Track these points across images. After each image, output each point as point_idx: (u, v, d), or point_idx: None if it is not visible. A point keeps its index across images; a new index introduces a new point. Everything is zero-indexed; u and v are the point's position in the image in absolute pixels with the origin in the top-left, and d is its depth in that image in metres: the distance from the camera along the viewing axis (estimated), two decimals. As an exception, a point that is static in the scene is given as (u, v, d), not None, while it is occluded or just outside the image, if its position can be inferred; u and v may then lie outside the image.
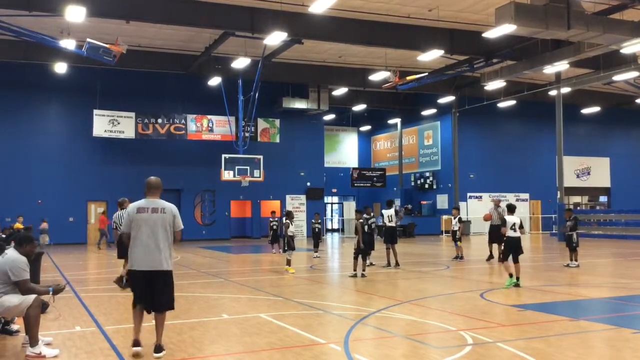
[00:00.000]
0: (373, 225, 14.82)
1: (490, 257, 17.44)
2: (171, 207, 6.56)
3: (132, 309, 6.64)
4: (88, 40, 20.68)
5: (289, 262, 15.14)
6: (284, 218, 21.49)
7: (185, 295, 11.23)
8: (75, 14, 17.84)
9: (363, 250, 14.04)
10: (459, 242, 17.98)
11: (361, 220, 14.31)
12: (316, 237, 19.96)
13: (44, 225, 25.22)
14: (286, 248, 15.15)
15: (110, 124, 28.05)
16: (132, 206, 6.56)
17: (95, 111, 27.77)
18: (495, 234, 17.06)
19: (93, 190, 28.45)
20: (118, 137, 28.34)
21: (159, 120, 28.98)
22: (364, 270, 13.92)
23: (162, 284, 6.45)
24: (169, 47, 26.21)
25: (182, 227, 6.65)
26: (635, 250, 21.90)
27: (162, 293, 6.46)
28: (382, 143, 42.07)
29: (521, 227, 12.02)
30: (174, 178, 30.03)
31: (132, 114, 28.43)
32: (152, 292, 6.42)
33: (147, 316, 6.69)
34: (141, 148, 29.33)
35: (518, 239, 11.90)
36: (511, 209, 12.36)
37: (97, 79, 27.55)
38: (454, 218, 18.28)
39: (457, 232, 17.94)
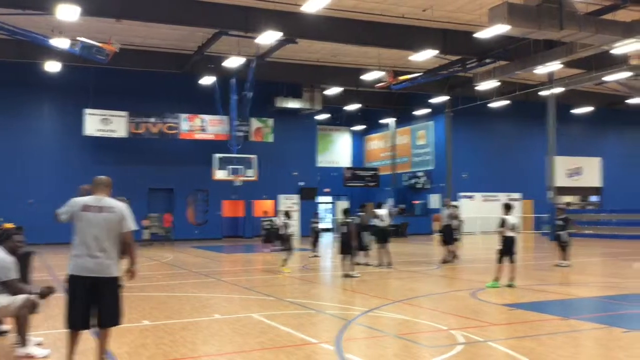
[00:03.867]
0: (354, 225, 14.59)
1: (449, 259, 17.13)
2: (121, 206, 5.85)
3: (68, 329, 5.70)
4: (81, 39, 20.58)
5: (284, 262, 15.14)
6: (278, 218, 21.60)
7: (177, 295, 11.21)
8: (68, 13, 17.75)
9: (349, 250, 13.92)
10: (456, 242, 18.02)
11: (349, 220, 14.24)
12: (315, 236, 19.92)
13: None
14: (284, 248, 15.13)
15: (102, 123, 27.92)
16: (78, 201, 5.78)
17: (87, 110, 27.63)
18: (446, 234, 17.08)
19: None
20: (110, 137, 28.21)
21: (152, 120, 28.88)
22: (352, 270, 13.86)
23: (108, 293, 5.62)
24: (161, 46, 26.12)
25: (134, 228, 5.88)
26: (626, 249, 22.03)
27: (108, 304, 5.63)
28: (376, 143, 42.11)
29: (516, 227, 11.97)
30: (167, 177, 29.96)
31: (125, 113, 28.32)
32: (94, 303, 5.60)
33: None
34: (133, 147, 29.22)
35: (514, 240, 11.87)
36: (508, 207, 12.05)
37: (90, 78, 27.40)
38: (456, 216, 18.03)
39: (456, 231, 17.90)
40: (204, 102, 29.40)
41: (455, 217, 17.28)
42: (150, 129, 28.83)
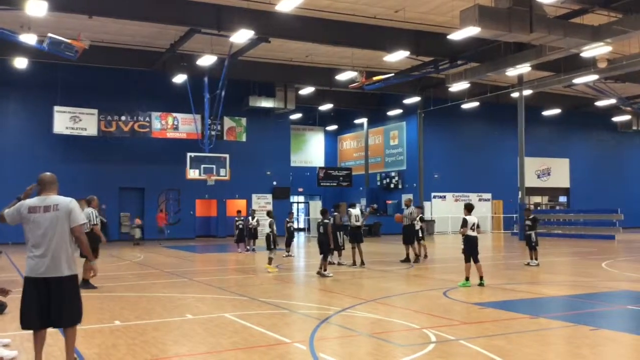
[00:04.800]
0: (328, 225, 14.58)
1: (407, 259, 17.10)
2: (67, 201, 5.68)
3: (23, 329, 5.66)
4: (49, 35, 20.20)
5: (270, 261, 15.11)
6: (250, 218, 21.54)
7: (148, 296, 11.09)
8: (36, 8, 17.40)
9: (327, 250, 14.06)
10: (422, 241, 18.08)
11: (327, 220, 14.32)
12: (290, 236, 19.88)
13: None
14: (272, 247, 15.10)
15: (72, 121, 27.47)
16: (24, 204, 5.71)
17: (56, 107, 27.16)
18: (408, 234, 17.19)
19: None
20: (80, 135, 27.77)
21: (123, 118, 28.51)
22: (325, 269, 13.90)
23: (66, 292, 5.54)
24: (133, 43, 25.79)
25: (83, 221, 5.76)
26: (593, 249, 22.50)
27: (66, 303, 5.53)
28: (349, 143, 42.25)
29: (478, 226, 12.12)
30: (138, 176, 29.63)
31: (95, 111, 27.90)
32: (52, 303, 5.49)
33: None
34: (104, 146, 28.81)
35: (476, 239, 12.03)
36: (469, 208, 12.21)
37: (59, 74, 26.95)
38: (417, 216, 17.99)
39: (420, 231, 17.92)
40: (177, 101, 29.13)
41: (414, 217, 17.24)
42: (121, 127, 28.45)
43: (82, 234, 5.76)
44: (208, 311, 9.34)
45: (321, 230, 14.34)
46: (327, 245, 14.08)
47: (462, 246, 12.13)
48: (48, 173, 5.85)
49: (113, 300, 10.48)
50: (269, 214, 16.33)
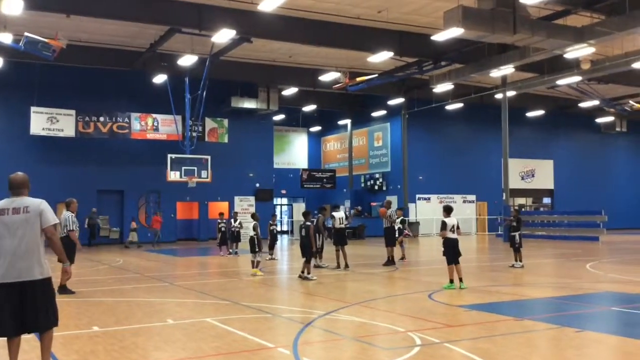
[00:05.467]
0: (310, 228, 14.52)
1: (391, 261, 17.02)
2: (37, 203, 5.57)
3: (7, 339, 5.50)
4: (26, 34, 19.93)
5: (257, 264, 15.02)
6: (232, 220, 21.44)
7: (128, 301, 10.98)
8: (12, 7, 17.16)
9: (309, 253, 14.00)
10: (403, 243, 18.20)
11: (309, 223, 14.26)
12: (273, 239, 19.83)
13: None
14: (256, 250, 15.02)
15: (49, 122, 27.14)
16: None
17: (33, 108, 26.82)
18: (388, 237, 17.27)
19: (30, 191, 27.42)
20: (57, 136, 27.45)
21: (101, 119, 28.23)
22: (308, 272, 13.89)
23: (40, 296, 5.43)
24: (112, 43, 25.57)
25: (55, 221, 5.61)
26: (577, 250, 22.74)
27: (40, 307, 5.41)
28: (332, 144, 42.29)
29: (458, 227, 12.18)
30: (117, 179, 29.35)
31: (73, 112, 27.60)
32: (26, 308, 5.37)
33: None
34: (82, 147, 28.50)
35: (456, 241, 12.09)
36: (448, 210, 12.23)
37: (36, 74, 26.62)
38: (397, 218, 18.09)
39: (404, 233, 18.10)
40: (157, 101, 28.93)
41: (394, 220, 17.32)
42: (99, 128, 28.18)
43: (55, 235, 5.65)
44: (189, 316, 9.28)
45: (303, 233, 14.32)
46: (309, 248, 14.04)
47: (443, 249, 12.17)
48: (20, 173, 5.75)
49: (92, 306, 10.35)
50: (253, 216, 16.25)
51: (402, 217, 18.39)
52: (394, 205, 20.58)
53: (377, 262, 17.74)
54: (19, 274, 5.38)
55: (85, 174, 28.33)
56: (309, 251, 14.03)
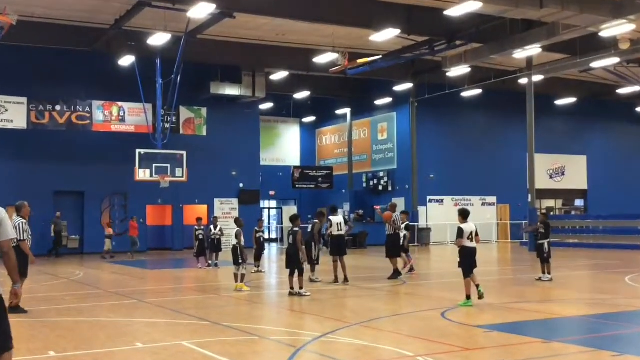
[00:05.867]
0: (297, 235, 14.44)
1: (397, 273, 17.02)
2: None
3: None
4: (-32, 8, 19.88)
5: (242, 278, 14.97)
6: (212, 226, 21.42)
7: (89, 321, 10.96)
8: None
9: (296, 264, 13.82)
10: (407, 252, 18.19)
11: (297, 229, 14.20)
12: (259, 248, 19.74)
13: None
14: (240, 261, 14.97)
15: (-4, 112, 27.12)
16: None
17: (-23, 95, 26.80)
18: (392, 245, 17.20)
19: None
20: (5, 127, 27.36)
21: (57, 108, 28.14)
22: (300, 287, 13.82)
23: None
24: (70, 19, 25.51)
25: (13, 236, 5.71)
26: (614, 261, 22.80)
27: None
28: (329, 137, 42.32)
29: (477, 234, 12.18)
30: (76, 178, 29.26)
31: (24, 100, 27.50)
32: None
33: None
34: (35, 141, 28.40)
35: (474, 250, 12.09)
36: (464, 214, 12.20)
37: (-20, 55, 26.58)
38: (402, 224, 18.08)
39: (404, 241, 17.94)
40: (123, 87, 28.86)
41: (399, 226, 17.27)
42: (55, 118, 28.10)
43: (12, 250, 5.68)
44: (161, 339, 9.27)
45: (290, 240, 14.27)
46: (296, 258, 13.90)
47: (458, 259, 12.13)
48: None
49: (47, 327, 10.32)
50: (237, 221, 16.22)
51: (407, 223, 18.34)
52: (400, 208, 20.51)
53: (382, 274, 17.75)
54: None
55: (39, 172, 28.24)
56: (295, 262, 13.88)
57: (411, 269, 18.28)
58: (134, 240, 27.07)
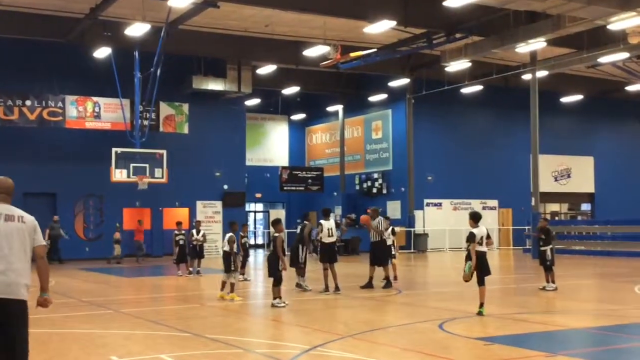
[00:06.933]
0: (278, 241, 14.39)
1: (369, 284, 16.86)
2: (30, 216, 6.16)
3: None
4: None
5: (232, 288, 14.89)
6: (194, 231, 21.39)
7: (61, 332, 10.92)
8: None
9: (277, 272, 13.72)
10: (392, 260, 18.22)
11: (277, 234, 14.18)
12: (245, 254, 19.70)
13: None
14: (232, 268, 14.95)
15: (-39, 107, 27.03)
16: None
17: (-59, 89, 26.70)
18: (378, 253, 17.12)
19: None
20: (-28, 124, 27.32)
21: (28, 103, 28.04)
22: (274, 297, 13.62)
23: (16, 320, 5.63)
24: (42, 7, 25.44)
25: (45, 243, 6.14)
26: (622, 269, 22.92)
27: (16, 334, 5.60)
28: (320, 136, 42.33)
29: (488, 237, 12.19)
30: (48, 178, 29.15)
31: (-9, 94, 27.47)
32: (5, 333, 5.54)
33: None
34: (3, 138, 28.30)
35: (485, 255, 12.12)
36: (475, 217, 12.23)
37: (-56, 46, 26.49)
38: (386, 230, 17.91)
39: (392, 248, 18.08)
40: (98, 81, 28.81)
41: (383, 231, 17.27)
42: (25, 114, 28.00)
43: (45, 258, 6.01)
44: (139, 351, 9.25)
45: (272, 246, 14.23)
46: (276, 264, 13.75)
47: (474, 265, 11.96)
48: (3, 177, 6.34)
49: (15, 339, 10.27)
50: (231, 225, 16.21)
51: (392, 227, 18.42)
52: (396, 210, 20.56)
53: (375, 283, 17.76)
54: (5, 289, 5.60)
55: (7, 172, 27.46)
56: (275, 269, 13.72)
57: (387, 281, 17.95)
58: (140, 245, 27.59)
